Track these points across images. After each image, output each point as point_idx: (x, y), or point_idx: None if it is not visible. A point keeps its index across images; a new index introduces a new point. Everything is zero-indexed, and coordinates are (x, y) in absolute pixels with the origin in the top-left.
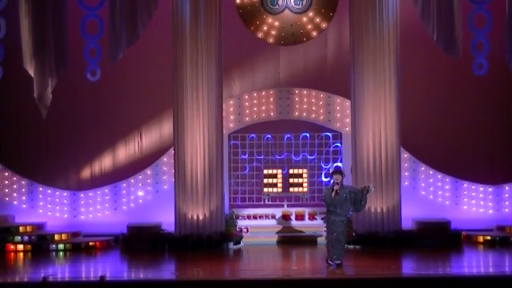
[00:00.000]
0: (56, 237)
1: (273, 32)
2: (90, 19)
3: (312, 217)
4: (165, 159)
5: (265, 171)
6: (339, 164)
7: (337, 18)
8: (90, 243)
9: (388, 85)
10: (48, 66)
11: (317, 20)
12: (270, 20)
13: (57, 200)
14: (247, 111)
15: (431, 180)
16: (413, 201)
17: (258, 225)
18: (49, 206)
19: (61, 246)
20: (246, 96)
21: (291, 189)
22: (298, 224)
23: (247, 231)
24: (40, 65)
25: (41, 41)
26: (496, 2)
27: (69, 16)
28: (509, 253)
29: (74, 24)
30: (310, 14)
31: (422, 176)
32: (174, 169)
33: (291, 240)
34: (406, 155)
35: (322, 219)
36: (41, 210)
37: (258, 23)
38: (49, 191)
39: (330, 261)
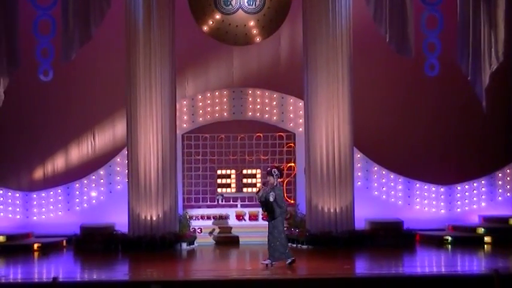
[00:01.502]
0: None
1: (218, 28)
2: (42, 19)
3: (265, 217)
4: (118, 159)
5: (219, 172)
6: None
7: (291, 17)
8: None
9: (341, 85)
10: (0, 67)
11: (263, 26)
12: (218, 17)
13: (9, 200)
14: (200, 111)
15: (384, 180)
16: (366, 202)
17: (212, 226)
18: (0, 207)
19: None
20: (200, 97)
21: (245, 190)
22: (252, 224)
23: (201, 232)
24: None
25: None
26: (447, 3)
27: (21, 16)
28: (462, 252)
29: (26, 24)
30: (258, 19)
31: (375, 176)
32: (127, 169)
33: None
34: (359, 155)
35: None
36: None
37: (206, 17)
38: (0, 192)
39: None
